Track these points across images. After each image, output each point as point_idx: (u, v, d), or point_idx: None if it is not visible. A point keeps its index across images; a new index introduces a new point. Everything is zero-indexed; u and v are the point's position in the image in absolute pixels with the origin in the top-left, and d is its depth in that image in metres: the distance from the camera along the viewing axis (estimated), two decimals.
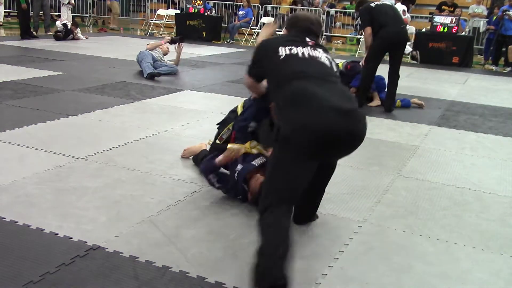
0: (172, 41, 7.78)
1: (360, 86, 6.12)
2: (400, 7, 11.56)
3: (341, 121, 2.20)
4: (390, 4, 6.12)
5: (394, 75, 6.07)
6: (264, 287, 2.06)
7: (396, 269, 2.52)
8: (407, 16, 11.75)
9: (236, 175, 3.09)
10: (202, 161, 3.30)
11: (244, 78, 2.84)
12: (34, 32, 11.52)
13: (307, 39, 2.59)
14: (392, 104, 6.12)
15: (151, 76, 7.10)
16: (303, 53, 2.49)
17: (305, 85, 2.30)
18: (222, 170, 3.21)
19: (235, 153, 3.15)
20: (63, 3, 12.81)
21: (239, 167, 3.11)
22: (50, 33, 11.50)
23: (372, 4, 5.84)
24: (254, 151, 3.18)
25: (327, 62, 2.50)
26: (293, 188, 2.30)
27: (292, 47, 2.51)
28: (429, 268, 2.55)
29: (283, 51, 2.49)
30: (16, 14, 15.60)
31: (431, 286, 2.40)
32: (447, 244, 2.82)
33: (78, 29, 11.74)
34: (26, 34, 11.08)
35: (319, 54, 2.52)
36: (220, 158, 3.15)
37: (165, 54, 7.83)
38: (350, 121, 2.24)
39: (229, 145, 3.20)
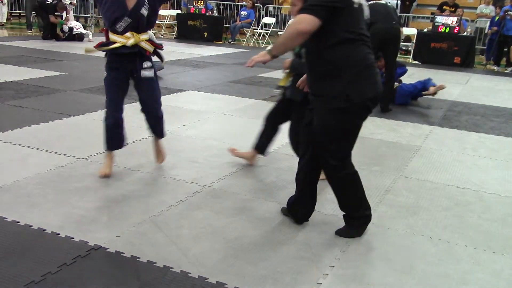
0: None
1: None
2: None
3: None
4: (384, 2, 5.97)
5: (388, 75, 5.99)
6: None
7: (398, 269, 2.52)
8: None
9: None
10: None
11: (301, 20, 2.35)
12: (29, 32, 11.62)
13: None
14: (388, 104, 6.03)
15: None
16: (360, 5, 2.53)
17: (369, 54, 2.51)
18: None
19: None
20: (65, 4, 12.81)
21: None
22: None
23: (356, 5, 5.66)
24: None
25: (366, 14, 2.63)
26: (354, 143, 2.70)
27: None
28: (430, 269, 2.54)
29: None
30: (18, 15, 15.63)
31: (433, 286, 2.40)
32: (449, 245, 2.82)
33: (87, 31, 11.84)
34: (49, 34, 11.20)
35: (363, 5, 2.57)
36: None
37: None
38: None
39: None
